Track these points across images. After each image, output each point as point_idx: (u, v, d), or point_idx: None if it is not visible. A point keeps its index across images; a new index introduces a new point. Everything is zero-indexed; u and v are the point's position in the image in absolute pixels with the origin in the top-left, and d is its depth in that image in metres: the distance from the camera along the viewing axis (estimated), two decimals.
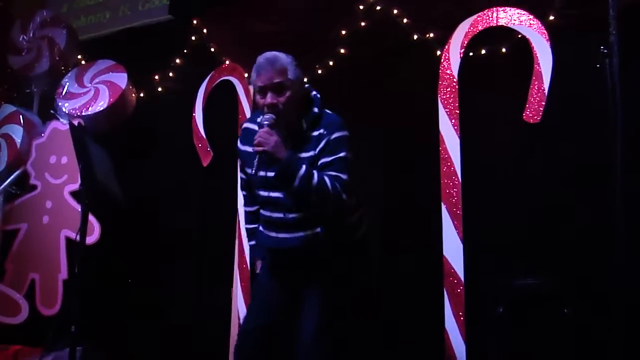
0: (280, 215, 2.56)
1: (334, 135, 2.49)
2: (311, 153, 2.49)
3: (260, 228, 2.71)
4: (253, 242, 2.88)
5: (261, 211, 2.67)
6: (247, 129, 2.71)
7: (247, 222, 2.94)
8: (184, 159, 4.50)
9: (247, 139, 2.64)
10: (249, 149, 2.56)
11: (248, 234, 2.94)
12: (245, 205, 2.91)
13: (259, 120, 2.54)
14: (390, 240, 3.88)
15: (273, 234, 2.62)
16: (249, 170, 2.64)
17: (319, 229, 2.53)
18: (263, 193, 2.59)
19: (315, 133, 2.51)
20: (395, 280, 3.81)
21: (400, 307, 3.75)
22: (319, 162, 2.48)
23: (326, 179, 2.41)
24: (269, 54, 2.55)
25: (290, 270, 2.66)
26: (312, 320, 2.50)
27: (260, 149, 2.37)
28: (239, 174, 2.87)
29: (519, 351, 3.08)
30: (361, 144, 2.60)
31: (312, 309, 2.53)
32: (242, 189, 2.93)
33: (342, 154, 2.48)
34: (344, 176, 2.45)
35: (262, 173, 2.50)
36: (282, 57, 2.54)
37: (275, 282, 2.68)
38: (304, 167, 2.39)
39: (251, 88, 2.59)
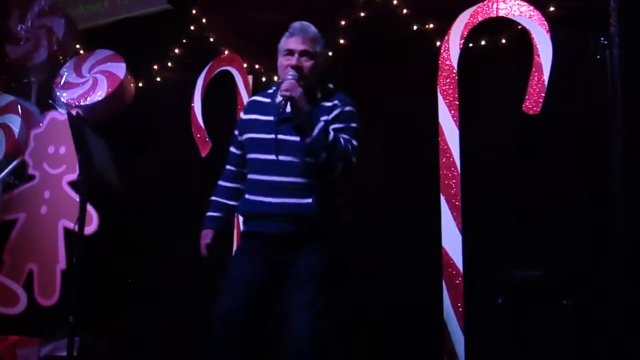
0: (281, 178, 2.52)
1: (347, 108, 2.63)
2: (325, 118, 2.56)
3: (247, 195, 2.63)
4: (217, 214, 2.81)
5: (257, 176, 2.60)
6: (255, 100, 2.80)
7: (218, 196, 2.85)
8: (182, 149, 4.49)
9: (253, 109, 2.74)
10: (254, 116, 2.68)
11: (212, 205, 2.85)
12: (224, 180, 2.85)
13: (275, 88, 2.65)
14: (389, 231, 3.88)
15: (265, 199, 2.54)
16: (250, 135, 2.65)
17: (311, 199, 2.48)
18: (270, 157, 2.56)
19: (329, 103, 2.62)
20: (393, 272, 3.81)
21: (399, 299, 3.74)
22: (331, 127, 2.53)
23: (340, 138, 2.50)
24: (304, 23, 2.69)
25: (274, 242, 2.55)
26: (305, 312, 2.40)
27: (287, 93, 2.43)
28: (231, 149, 2.82)
29: (519, 342, 3.09)
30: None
31: (304, 298, 2.43)
32: (228, 164, 2.84)
33: (354, 125, 2.62)
34: (355, 142, 2.56)
35: (273, 136, 2.56)
36: (315, 29, 2.69)
37: (255, 259, 2.58)
38: (322, 122, 2.48)
39: (281, 47, 2.67)
